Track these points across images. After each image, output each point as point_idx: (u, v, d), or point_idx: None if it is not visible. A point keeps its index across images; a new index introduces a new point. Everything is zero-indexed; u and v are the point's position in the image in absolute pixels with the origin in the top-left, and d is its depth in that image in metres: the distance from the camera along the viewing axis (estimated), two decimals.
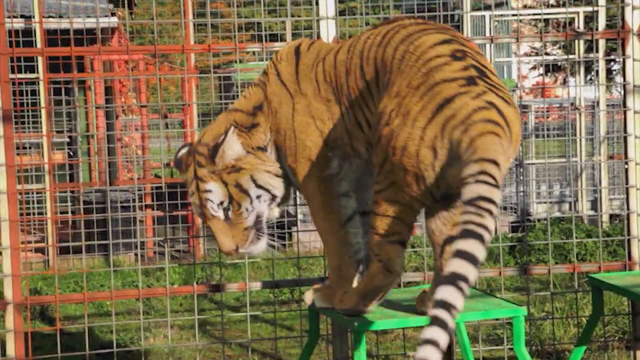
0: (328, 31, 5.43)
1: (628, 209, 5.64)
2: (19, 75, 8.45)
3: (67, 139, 11.97)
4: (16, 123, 5.83)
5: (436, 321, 2.81)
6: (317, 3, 5.52)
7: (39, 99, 10.01)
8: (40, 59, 9.91)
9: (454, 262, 2.92)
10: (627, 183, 5.67)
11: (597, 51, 9.65)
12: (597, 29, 7.57)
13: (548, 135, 12.08)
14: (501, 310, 4.17)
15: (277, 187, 4.08)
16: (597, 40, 6.73)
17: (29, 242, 10.27)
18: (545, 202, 11.83)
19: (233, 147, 4.01)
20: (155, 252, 11.13)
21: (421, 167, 3.49)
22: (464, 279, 2.87)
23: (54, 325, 6.01)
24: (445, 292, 2.85)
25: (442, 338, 2.78)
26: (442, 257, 3.72)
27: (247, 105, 4.15)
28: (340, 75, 3.94)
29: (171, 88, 25.79)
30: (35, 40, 10.26)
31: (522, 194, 11.67)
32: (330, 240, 4.06)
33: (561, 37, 6.08)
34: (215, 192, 4.00)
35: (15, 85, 6.21)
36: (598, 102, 10.83)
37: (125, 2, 12.40)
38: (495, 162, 3.23)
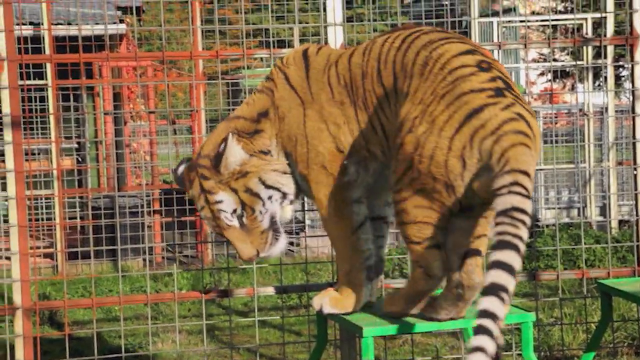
0: (336, 37, 5.42)
1: (637, 214, 5.62)
2: (28, 82, 8.47)
3: (76, 145, 12.00)
4: (25, 129, 5.85)
5: (482, 330, 2.99)
6: (324, 9, 5.52)
7: (48, 105, 10.07)
8: (48, 65, 9.97)
9: (493, 273, 3.08)
10: (636, 189, 5.65)
11: (605, 57, 9.63)
12: (605, 35, 7.57)
13: (556, 141, 12.04)
14: (510, 316, 4.13)
15: (287, 184, 4.02)
16: (605, 47, 6.71)
17: (38, 248, 10.29)
18: (553, 208, 11.81)
19: (235, 153, 3.94)
20: (163, 258, 11.15)
21: (451, 176, 3.50)
22: (504, 289, 3.07)
23: (63, 330, 6.01)
24: (488, 303, 3.05)
25: (490, 345, 2.96)
26: (462, 269, 3.69)
27: (251, 112, 4.07)
28: (356, 77, 3.88)
29: (179, 94, 25.80)
30: (44, 47, 10.31)
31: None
32: (342, 246, 4.03)
33: (569, 43, 6.07)
34: (226, 202, 3.95)
35: (24, 92, 6.22)
36: (607, 108, 10.81)
37: (134, 9, 12.45)
38: (526, 173, 3.31)
